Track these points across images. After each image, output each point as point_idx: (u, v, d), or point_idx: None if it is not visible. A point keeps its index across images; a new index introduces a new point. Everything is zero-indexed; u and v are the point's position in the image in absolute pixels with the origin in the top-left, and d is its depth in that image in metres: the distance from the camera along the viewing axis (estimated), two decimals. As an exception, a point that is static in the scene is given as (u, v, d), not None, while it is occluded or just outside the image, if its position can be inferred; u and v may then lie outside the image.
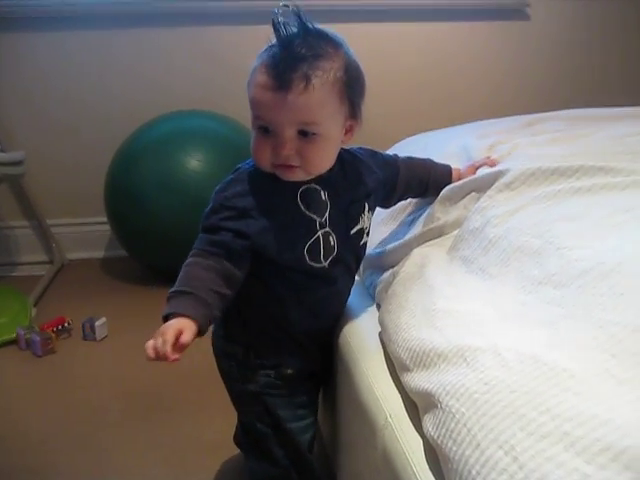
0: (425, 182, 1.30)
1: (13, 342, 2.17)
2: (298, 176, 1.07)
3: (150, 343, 0.92)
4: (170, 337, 0.91)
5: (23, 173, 2.74)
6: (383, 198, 1.26)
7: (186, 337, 0.92)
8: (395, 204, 1.35)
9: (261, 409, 1.18)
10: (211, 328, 1.24)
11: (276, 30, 1.02)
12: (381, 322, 1.08)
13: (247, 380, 1.18)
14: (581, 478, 0.57)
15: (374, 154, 1.23)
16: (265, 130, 1.04)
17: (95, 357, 2.10)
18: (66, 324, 2.21)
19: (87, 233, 3.04)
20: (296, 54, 1.00)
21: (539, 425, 0.63)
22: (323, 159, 1.08)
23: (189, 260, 1.05)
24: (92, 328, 2.19)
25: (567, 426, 0.61)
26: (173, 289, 1.00)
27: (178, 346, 0.91)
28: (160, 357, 0.91)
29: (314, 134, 1.03)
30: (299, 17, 1.03)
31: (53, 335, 2.13)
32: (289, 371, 1.19)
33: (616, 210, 0.92)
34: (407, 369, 0.90)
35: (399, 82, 3.09)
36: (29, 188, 2.92)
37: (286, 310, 1.16)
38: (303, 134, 1.02)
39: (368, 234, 1.20)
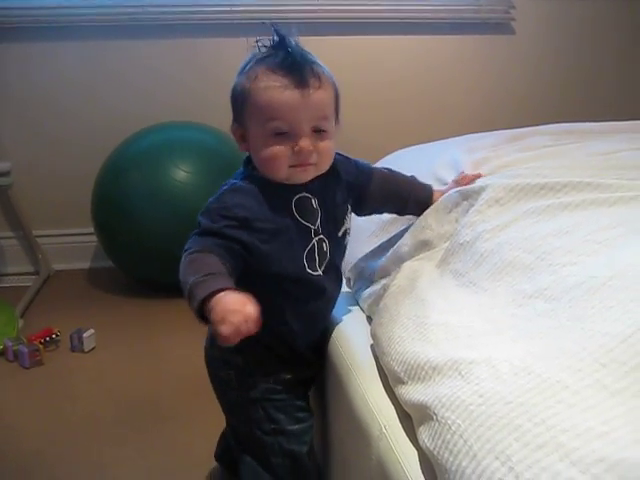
0: (405, 199, 1.30)
1: (0, 354, 2.16)
2: (311, 174, 1.11)
3: (226, 328, 0.89)
4: (250, 310, 0.91)
5: (10, 184, 2.74)
6: (353, 203, 1.26)
7: (254, 306, 0.92)
8: (369, 214, 1.34)
9: (261, 416, 1.19)
10: (204, 338, 1.26)
11: (281, 37, 1.09)
12: (373, 335, 1.09)
13: (246, 387, 1.19)
14: (576, 487, 0.58)
15: (347, 158, 1.25)
16: (280, 134, 1.06)
17: (83, 369, 2.10)
18: (54, 335, 2.21)
19: (74, 244, 3.03)
20: (304, 56, 1.08)
21: (535, 436, 0.64)
22: (331, 156, 1.13)
23: (192, 256, 1.04)
24: (80, 339, 2.19)
25: (562, 437, 0.62)
26: (194, 279, 0.98)
27: (253, 318, 0.91)
28: (242, 334, 0.90)
29: (324, 131, 1.09)
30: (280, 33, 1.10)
31: (41, 346, 2.12)
32: (288, 376, 1.21)
33: (605, 226, 0.93)
34: (401, 382, 0.91)
35: (387, 95, 3.12)
36: (16, 199, 2.91)
37: (286, 322, 1.17)
38: (316, 131, 1.08)
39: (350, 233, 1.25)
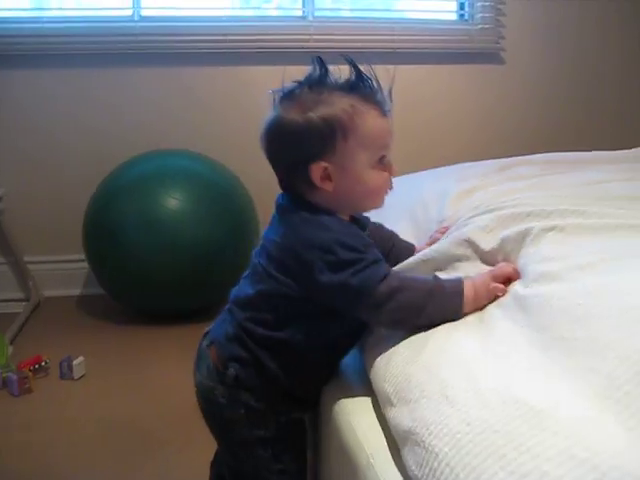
0: (387, 250, 1.26)
1: (-11, 381, 2.15)
2: None
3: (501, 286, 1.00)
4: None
5: (1, 210, 2.74)
6: None
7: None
8: None
9: (269, 455, 1.15)
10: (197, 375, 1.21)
11: (355, 65, 1.10)
12: (366, 357, 1.10)
13: (257, 426, 1.14)
14: (561, 515, 0.59)
15: None
16: (381, 162, 1.09)
17: (73, 396, 2.09)
18: (43, 363, 2.20)
19: (65, 270, 3.03)
20: (380, 84, 1.11)
21: (519, 464, 0.65)
22: None
23: (402, 284, 1.02)
24: (70, 367, 2.18)
25: (546, 466, 0.63)
26: (444, 283, 1.04)
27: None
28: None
29: None
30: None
31: (30, 374, 2.11)
32: (298, 415, 1.19)
33: (588, 253, 0.95)
34: (391, 404, 0.91)
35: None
36: (7, 225, 2.91)
37: (334, 354, 1.17)
38: None
39: None
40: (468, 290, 1.00)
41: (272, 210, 1.15)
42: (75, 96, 2.96)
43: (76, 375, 2.18)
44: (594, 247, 0.98)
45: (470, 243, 1.12)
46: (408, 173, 1.86)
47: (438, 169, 1.79)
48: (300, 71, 1.11)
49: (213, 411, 1.19)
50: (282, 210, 1.12)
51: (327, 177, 1.06)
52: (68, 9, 3.05)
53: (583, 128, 3.33)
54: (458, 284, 1.02)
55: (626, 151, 1.86)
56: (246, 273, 1.18)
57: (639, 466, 0.59)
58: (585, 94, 3.36)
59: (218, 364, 1.14)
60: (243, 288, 1.16)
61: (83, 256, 2.73)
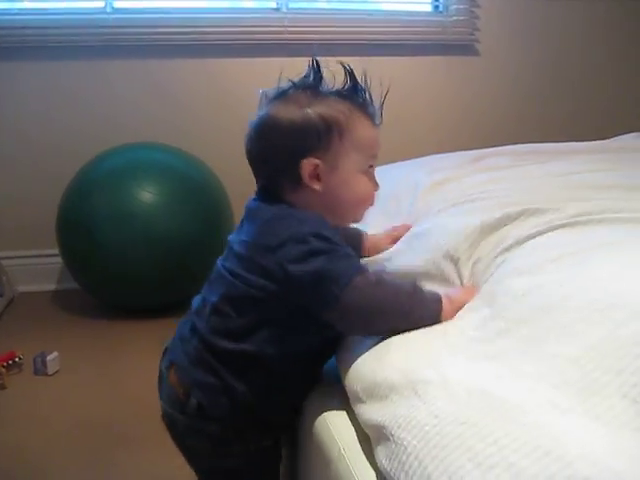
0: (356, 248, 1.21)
1: (-37, 378, 2.13)
2: None
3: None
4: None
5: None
6: None
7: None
8: None
9: None
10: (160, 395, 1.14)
11: (352, 75, 1.09)
12: (337, 357, 1.09)
13: (222, 457, 1.09)
14: (526, 506, 0.59)
15: None
16: (367, 172, 1.09)
17: (47, 392, 2.07)
18: (17, 359, 2.18)
19: (38, 265, 3.00)
20: (372, 96, 1.11)
21: (487, 456, 0.65)
22: None
23: (380, 279, 0.98)
24: (44, 362, 2.16)
25: (513, 457, 0.63)
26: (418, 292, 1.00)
27: None
28: None
29: None
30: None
31: (3, 370, 2.09)
32: (269, 442, 1.12)
33: (559, 246, 0.95)
34: (361, 401, 0.91)
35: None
36: (-21, 220, 2.88)
37: (307, 368, 1.10)
38: None
39: None
40: (445, 300, 0.97)
41: (246, 202, 1.13)
42: (46, 89, 2.93)
43: (50, 371, 2.16)
44: (564, 240, 0.98)
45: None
46: (379, 165, 1.86)
47: (412, 160, 1.79)
48: (275, 63, 1.10)
49: (176, 437, 1.13)
50: (253, 211, 1.08)
51: (316, 176, 1.04)
52: (39, 1, 3.00)
53: (562, 119, 3.35)
54: (436, 293, 1.00)
55: (602, 142, 1.88)
56: (209, 280, 1.12)
57: (605, 455, 0.59)
58: (562, 85, 3.38)
59: (179, 391, 1.06)
60: (206, 296, 1.09)
61: (57, 251, 2.71)
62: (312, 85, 1.07)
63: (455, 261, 1.06)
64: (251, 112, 1.10)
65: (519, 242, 1.00)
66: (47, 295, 2.97)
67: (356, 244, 1.21)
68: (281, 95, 1.07)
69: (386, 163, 1.89)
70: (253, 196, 1.12)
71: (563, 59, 3.37)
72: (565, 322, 0.76)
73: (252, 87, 1.13)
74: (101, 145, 2.72)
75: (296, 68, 1.11)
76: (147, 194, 2.48)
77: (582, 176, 1.35)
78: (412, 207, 1.36)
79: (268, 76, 1.10)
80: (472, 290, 0.99)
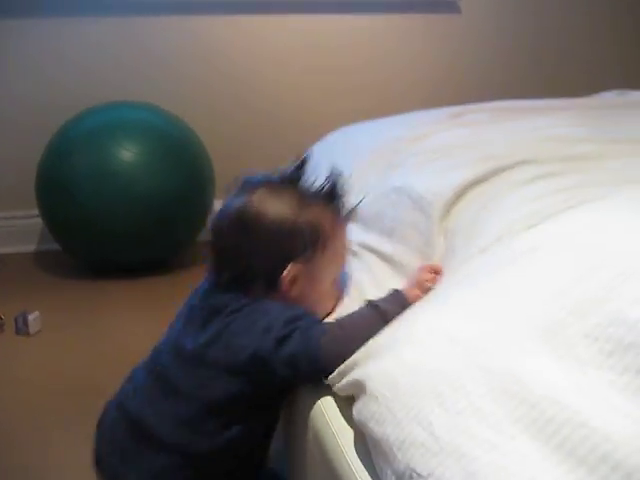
0: None
1: (-57, 338, 2.13)
2: None
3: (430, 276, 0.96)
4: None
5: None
6: None
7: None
8: None
9: None
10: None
11: (335, 187, 1.07)
12: None
13: None
14: (491, 448, 0.60)
15: None
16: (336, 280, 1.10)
17: (28, 352, 2.07)
18: (-2, 319, 2.18)
19: (18, 226, 2.98)
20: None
21: (454, 402, 0.66)
22: None
23: (343, 330, 0.95)
24: (25, 322, 2.15)
25: (479, 402, 0.64)
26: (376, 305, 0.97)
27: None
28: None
29: None
30: None
31: (-15, 330, 2.10)
32: None
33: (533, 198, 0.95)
34: (343, 374, 0.89)
35: (331, 74, 3.09)
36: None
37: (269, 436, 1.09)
38: None
39: None
40: (409, 293, 0.96)
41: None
42: (23, 47, 2.87)
43: (32, 330, 2.16)
44: (542, 192, 0.98)
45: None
46: (360, 121, 1.85)
47: (390, 118, 1.78)
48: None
49: None
50: (215, 311, 1.02)
51: (294, 281, 1.02)
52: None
53: (544, 77, 3.33)
54: (394, 290, 0.98)
55: (583, 98, 1.88)
56: (140, 384, 1.18)
57: (567, 394, 0.60)
58: (544, 42, 3.36)
59: None
60: (142, 409, 1.14)
61: (37, 211, 2.69)
62: (297, 179, 1.06)
63: (433, 217, 1.07)
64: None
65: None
66: (28, 256, 2.94)
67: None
68: (265, 185, 1.05)
69: (366, 119, 1.89)
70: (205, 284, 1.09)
71: (546, 14, 3.34)
72: (534, 270, 0.76)
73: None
74: (82, 103, 2.67)
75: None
76: (127, 152, 2.46)
77: (560, 130, 1.35)
78: (392, 161, 1.35)
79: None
80: (428, 267, 0.98)
